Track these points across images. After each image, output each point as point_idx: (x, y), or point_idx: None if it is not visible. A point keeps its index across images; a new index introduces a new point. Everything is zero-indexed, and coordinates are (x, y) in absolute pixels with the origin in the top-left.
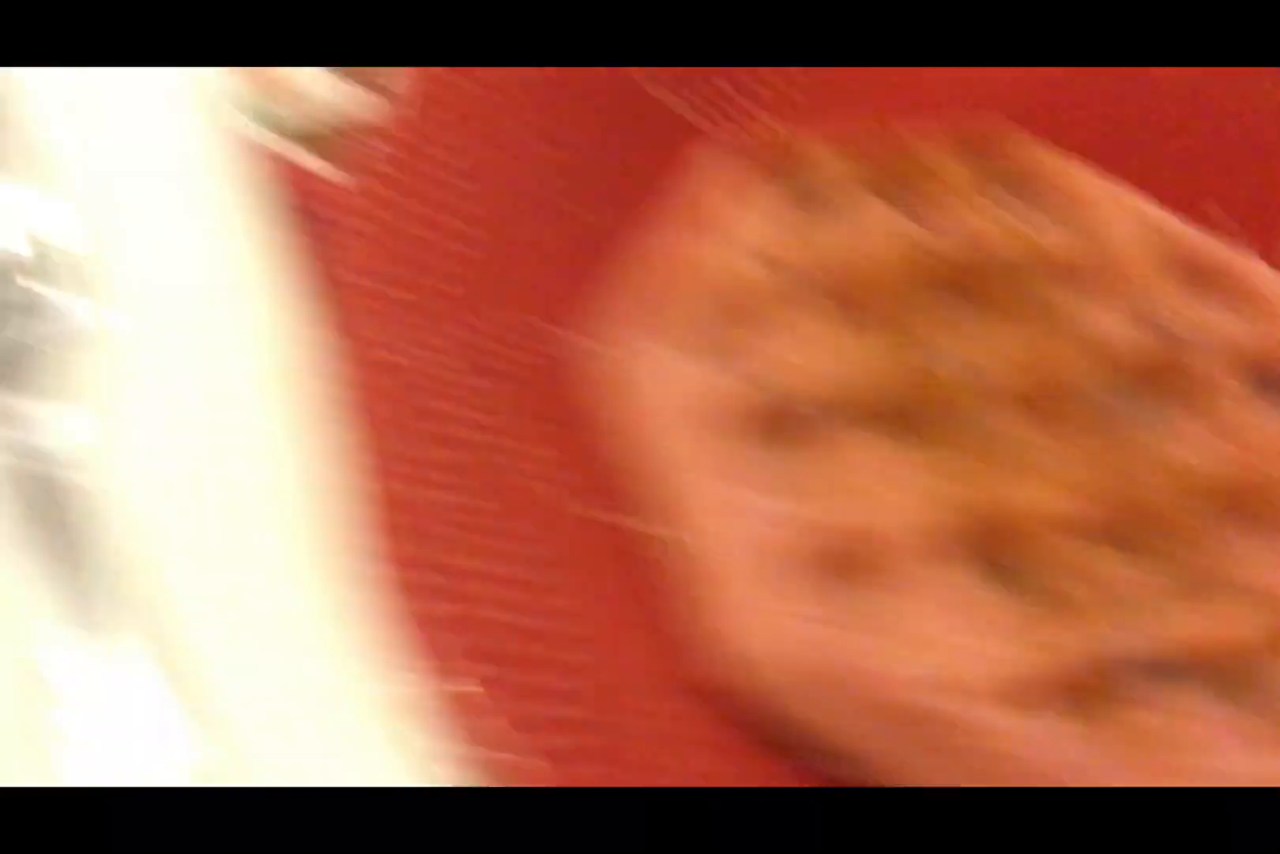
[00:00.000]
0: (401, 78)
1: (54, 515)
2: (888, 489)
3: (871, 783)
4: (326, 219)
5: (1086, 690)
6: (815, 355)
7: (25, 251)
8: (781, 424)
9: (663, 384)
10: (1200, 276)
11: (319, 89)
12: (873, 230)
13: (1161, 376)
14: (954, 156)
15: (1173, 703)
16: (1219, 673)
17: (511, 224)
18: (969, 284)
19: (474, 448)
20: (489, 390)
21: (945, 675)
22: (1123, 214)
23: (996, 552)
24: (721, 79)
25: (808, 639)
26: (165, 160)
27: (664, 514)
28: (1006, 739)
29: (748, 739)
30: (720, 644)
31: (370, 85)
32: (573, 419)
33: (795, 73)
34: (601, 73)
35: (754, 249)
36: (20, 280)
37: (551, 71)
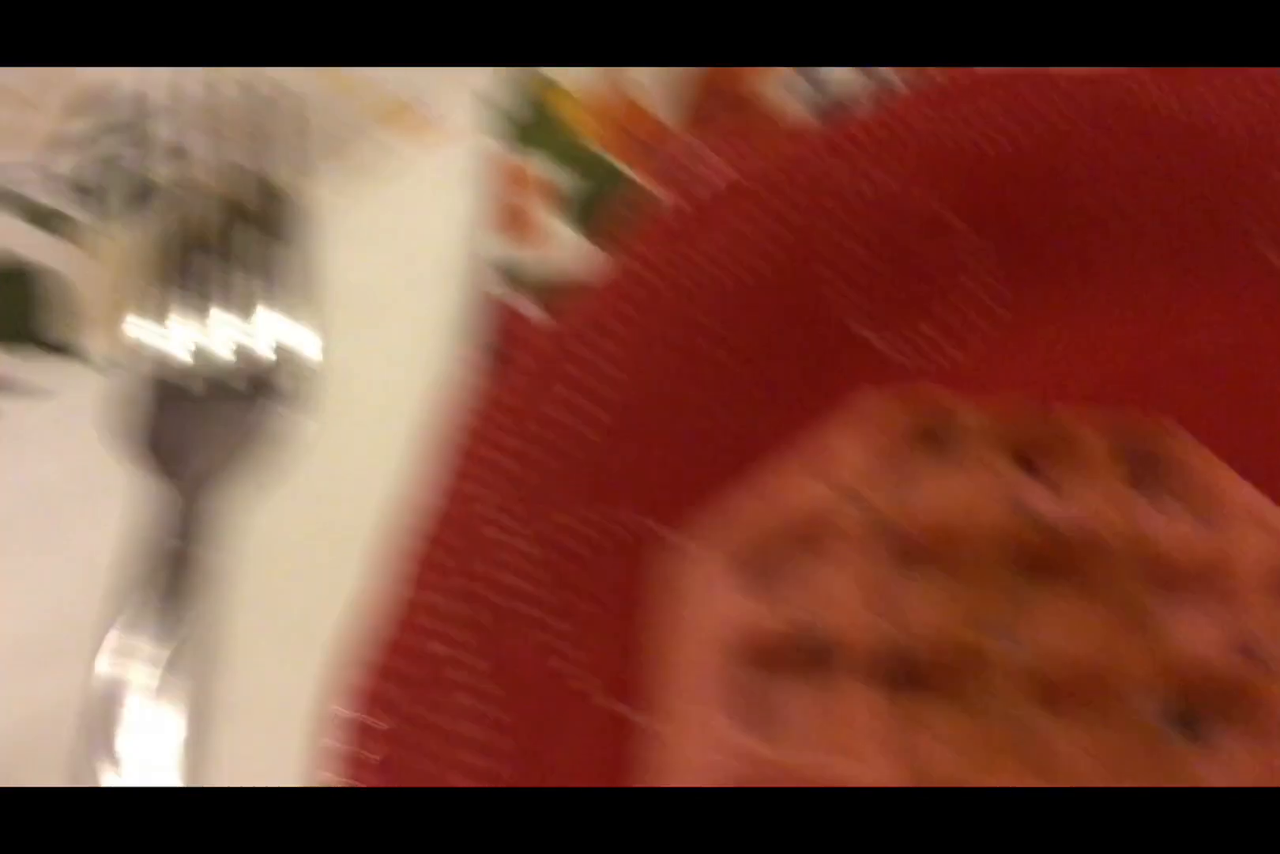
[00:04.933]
0: (631, 243)
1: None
2: (862, 744)
3: None
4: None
5: None
6: (863, 599)
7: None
8: (799, 659)
9: (706, 604)
10: None
11: (562, 242)
12: (984, 487)
13: (1230, 701)
14: (1101, 437)
15: None
16: None
17: (650, 421)
18: (1060, 562)
19: (496, 610)
20: (541, 559)
21: None
22: (1257, 528)
23: None
24: (927, 324)
25: None
26: (408, 295)
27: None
28: None
29: None
30: None
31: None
32: (615, 608)
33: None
34: (804, 297)
35: (845, 484)
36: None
37: (751, 279)
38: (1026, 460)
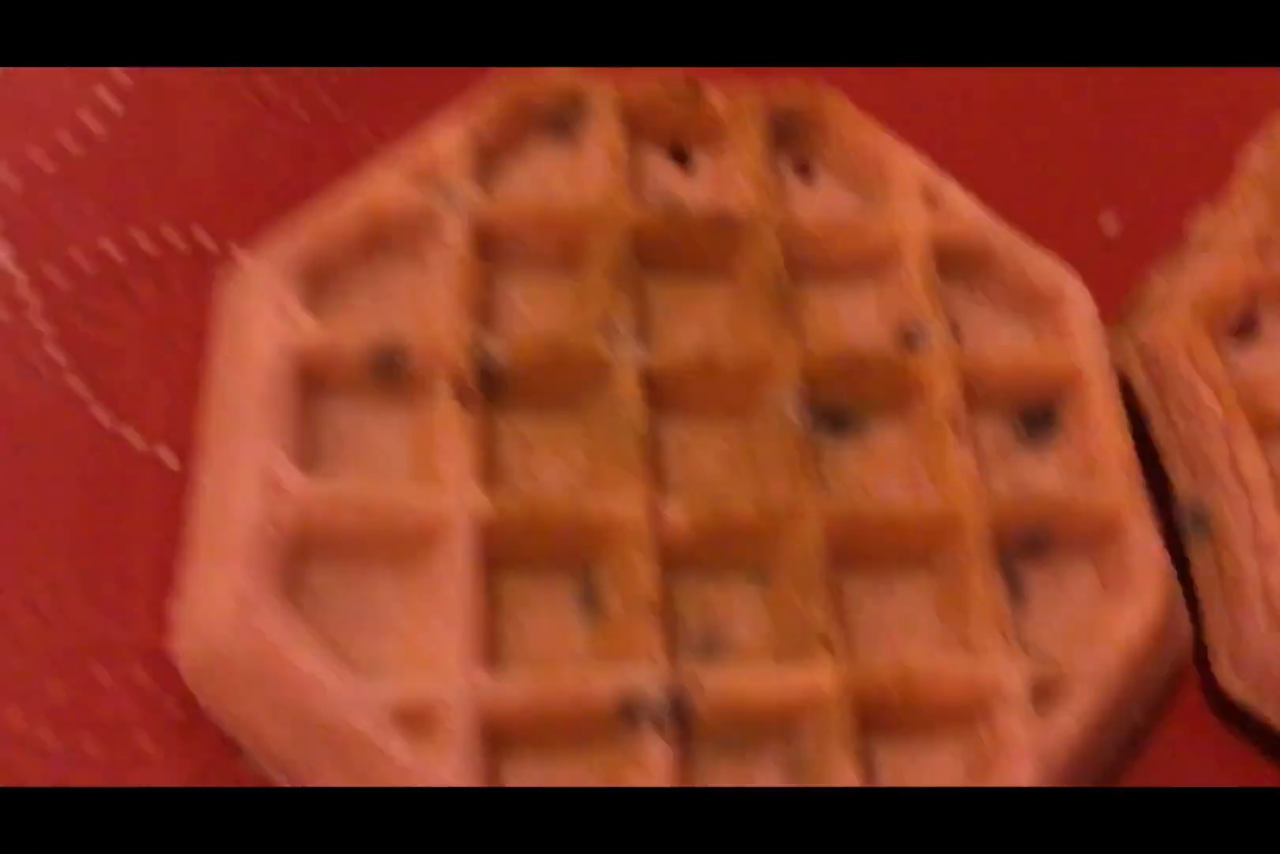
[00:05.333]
0: None
1: None
2: (446, 465)
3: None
4: None
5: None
6: (453, 308)
7: None
8: (376, 379)
9: (265, 328)
10: (981, 277)
11: None
12: (604, 174)
13: (886, 390)
14: (755, 114)
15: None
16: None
17: None
18: (696, 252)
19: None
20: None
21: (376, 697)
22: (923, 202)
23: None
24: None
25: (248, 624)
26: None
27: (205, 459)
28: (418, 777)
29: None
30: (179, 610)
31: None
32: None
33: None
34: None
35: (434, 178)
36: None
37: None
38: (678, 148)
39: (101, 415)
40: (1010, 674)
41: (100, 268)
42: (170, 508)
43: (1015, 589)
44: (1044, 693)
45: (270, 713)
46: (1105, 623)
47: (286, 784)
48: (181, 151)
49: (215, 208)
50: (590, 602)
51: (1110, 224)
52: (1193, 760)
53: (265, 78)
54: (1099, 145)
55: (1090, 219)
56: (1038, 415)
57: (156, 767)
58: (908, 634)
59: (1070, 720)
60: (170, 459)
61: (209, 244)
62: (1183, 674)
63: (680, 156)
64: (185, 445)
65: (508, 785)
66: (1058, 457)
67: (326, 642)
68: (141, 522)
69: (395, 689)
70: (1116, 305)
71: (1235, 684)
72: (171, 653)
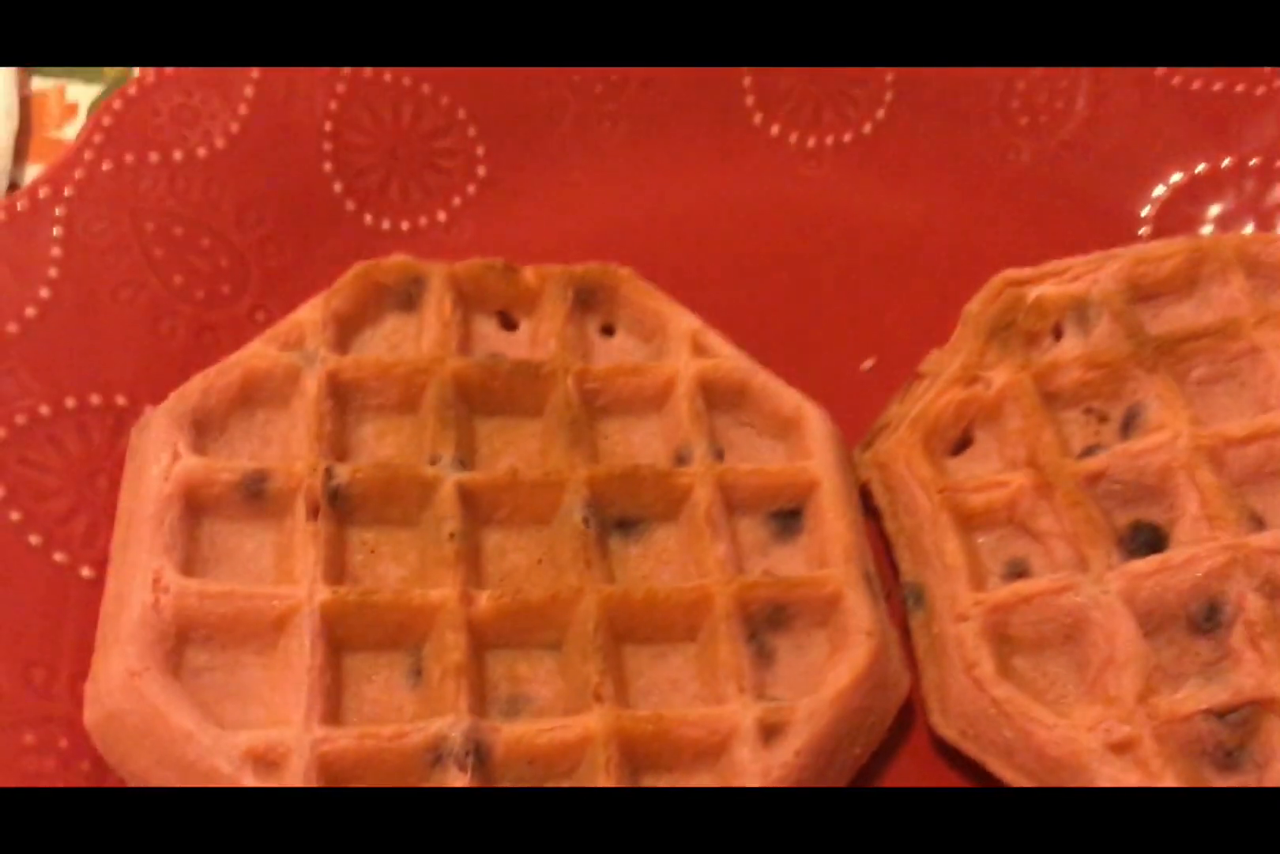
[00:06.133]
0: None
1: None
2: (299, 566)
3: None
4: None
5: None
6: (310, 445)
7: None
8: (247, 503)
9: (158, 464)
10: (744, 408)
11: None
12: (439, 336)
13: (665, 502)
14: (564, 288)
15: None
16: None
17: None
18: (511, 395)
19: None
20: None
21: (233, 743)
22: (694, 350)
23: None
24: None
25: (138, 691)
26: None
27: (110, 568)
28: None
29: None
30: (88, 687)
31: None
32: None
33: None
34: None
35: (301, 345)
36: None
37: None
38: (504, 315)
39: (34, 540)
40: (744, 717)
41: (34, 422)
42: (89, 611)
43: (763, 653)
44: (770, 731)
45: (156, 762)
46: (825, 675)
47: None
48: (104, 330)
49: (132, 376)
50: (418, 674)
51: (869, 366)
52: (921, 786)
53: (173, 275)
54: (867, 307)
55: (854, 364)
56: (787, 516)
57: None
58: (675, 692)
59: (789, 752)
60: (89, 573)
61: (125, 404)
62: (910, 720)
63: (508, 321)
64: (102, 561)
65: None
66: (802, 548)
67: (201, 707)
68: (65, 623)
69: (249, 738)
70: (867, 430)
71: (946, 729)
72: (83, 721)
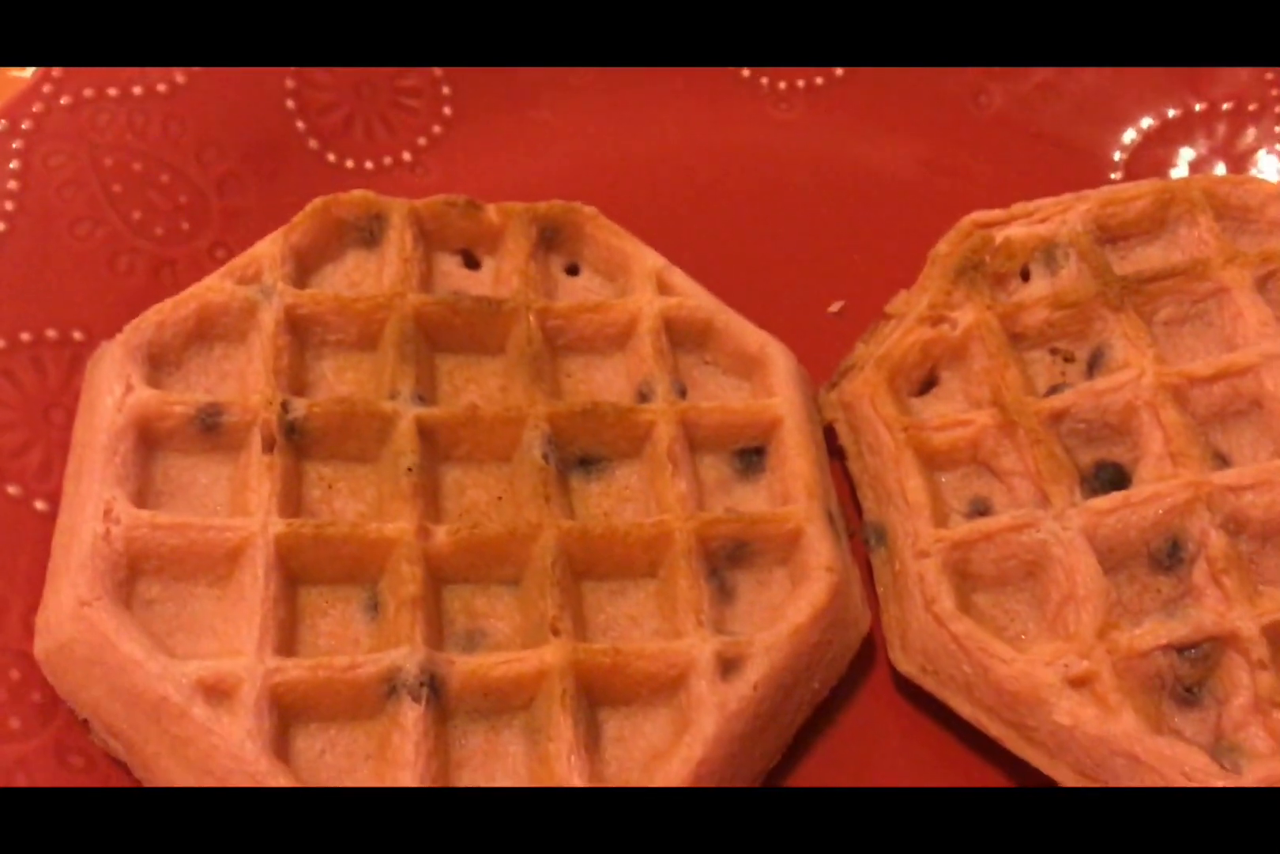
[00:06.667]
0: None
1: None
2: (254, 499)
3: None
4: None
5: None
6: (267, 379)
7: None
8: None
9: (112, 396)
10: (709, 346)
11: None
12: (399, 272)
13: (627, 439)
14: (527, 226)
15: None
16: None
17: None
18: (472, 331)
19: None
20: None
21: (183, 672)
22: (656, 287)
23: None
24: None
25: (88, 620)
26: None
27: (63, 500)
28: (219, 737)
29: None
30: (39, 619)
31: None
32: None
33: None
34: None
35: (258, 279)
36: None
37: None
38: (467, 253)
39: None
40: (702, 651)
41: None
42: (42, 545)
43: (723, 589)
44: (728, 664)
45: (106, 692)
46: (784, 610)
47: (123, 752)
48: (61, 265)
49: (89, 312)
50: (374, 609)
51: (837, 309)
52: (881, 721)
53: (131, 210)
54: (836, 250)
55: (822, 306)
56: (749, 454)
57: (22, 741)
58: (634, 628)
59: (747, 685)
60: (42, 506)
61: (82, 339)
62: (871, 656)
63: (471, 260)
64: (56, 495)
65: (294, 747)
66: (765, 486)
67: (152, 638)
68: (18, 556)
69: (199, 668)
70: (834, 372)
71: (905, 664)
72: (34, 653)
